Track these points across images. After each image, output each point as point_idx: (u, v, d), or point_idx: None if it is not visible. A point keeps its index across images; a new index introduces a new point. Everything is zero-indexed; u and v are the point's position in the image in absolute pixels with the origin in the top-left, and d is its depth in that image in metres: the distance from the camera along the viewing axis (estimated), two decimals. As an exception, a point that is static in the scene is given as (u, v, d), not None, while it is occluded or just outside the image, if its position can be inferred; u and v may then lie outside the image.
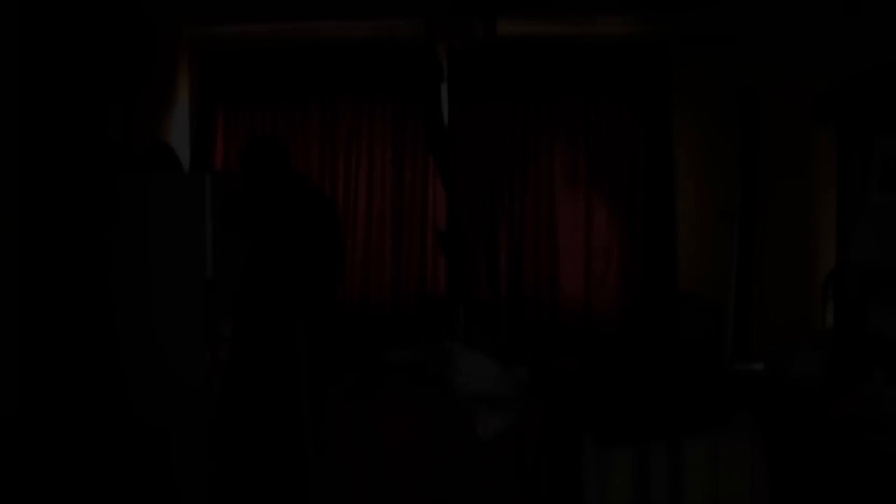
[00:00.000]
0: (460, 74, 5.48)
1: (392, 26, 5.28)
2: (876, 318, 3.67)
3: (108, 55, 4.68)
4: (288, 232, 4.10)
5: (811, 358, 3.73)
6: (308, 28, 5.50)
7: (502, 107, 5.50)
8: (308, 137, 5.62)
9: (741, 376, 5.01)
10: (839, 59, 4.11)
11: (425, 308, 5.36)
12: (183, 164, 4.95)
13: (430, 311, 5.10)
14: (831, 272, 4.40)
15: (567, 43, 5.43)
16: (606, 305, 5.45)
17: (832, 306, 4.41)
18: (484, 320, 3.86)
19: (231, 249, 4.16)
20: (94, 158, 4.54)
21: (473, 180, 5.50)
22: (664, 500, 2.35)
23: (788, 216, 5.43)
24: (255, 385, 3.98)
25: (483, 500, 2.95)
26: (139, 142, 4.94)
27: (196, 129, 5.69)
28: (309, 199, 4.27)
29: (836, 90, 4.17)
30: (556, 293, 5.47)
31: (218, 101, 5.69)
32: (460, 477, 2.94)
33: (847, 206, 4.22)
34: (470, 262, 5.28)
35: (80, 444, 4.08)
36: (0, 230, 3.37)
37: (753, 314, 5.41)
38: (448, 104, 5.50)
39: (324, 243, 4.18)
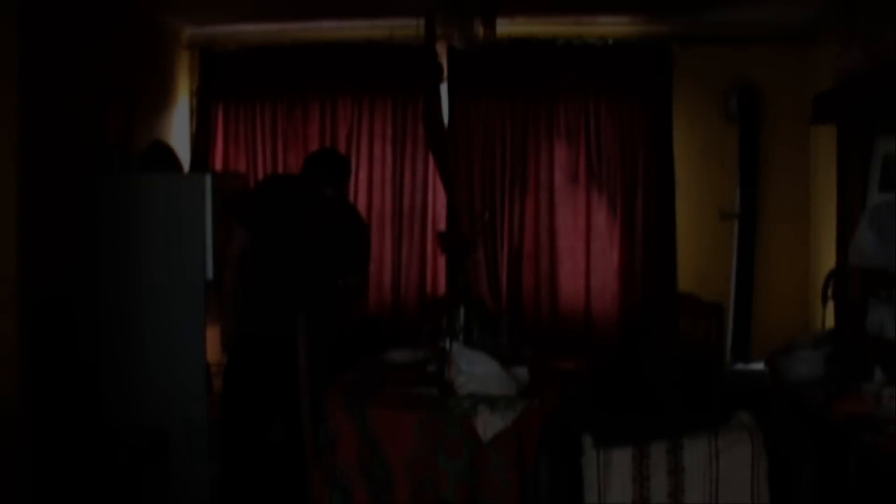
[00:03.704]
0: (460, 74, 5.47)
1: (392, 26, 5.29)
2: (876, 318, 3.68)
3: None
4: (301, 236, 3.99)
5: (811, 358, 3.74)
6: (308, 28, 5.50)
7: (502, 107, 5.49)
8: (308, 137, 5.62)
9: (741, 376, 5.02)
10: (839, 60, 4.11)
11: (425, 308, 5.36)
12: (183, 163, 4.95)
13: (429, 311, 5.10)
14: (831, 272, 4.40)
15: (567, 43, 5.43)
16: (606, 305, 5.45)
17: (832, 306, 4.42)
18: (484, 320, 3.85)
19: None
20: (93, 158, 4.55)
21: (473, 180, 5.51)
22: (664, 500, 2.34)
23: (788, 216, 5.43)
24: (256, 385, 3.96)
25: (483, 500, 2.95)
26: (139, 142, 4.94)
27: (196, 128, 5.69)
28: (339, 212, 4.16)
29: (836, 90, 4.17)
30: (556, 293, 5.47)
31: (218, 101, 5.70)
32: (460, 477, 2.94)
33: (847, 206, 4.22)
34: (470, 262, 5.28)
35: (78, 446, 4.07)
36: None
37: (753, 314, 5.41)
38: (448, 104, 5.50)
39: (339, 257, 4.06)
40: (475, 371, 3.17)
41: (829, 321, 4.46)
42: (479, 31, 4.05)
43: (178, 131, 5.61)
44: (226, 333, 4.03)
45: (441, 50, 5.28)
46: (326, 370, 3.80)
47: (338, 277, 4.06)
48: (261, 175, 5.59)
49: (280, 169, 5.63)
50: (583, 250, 5.45)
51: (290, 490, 3.96)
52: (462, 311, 3.76)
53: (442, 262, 5.52)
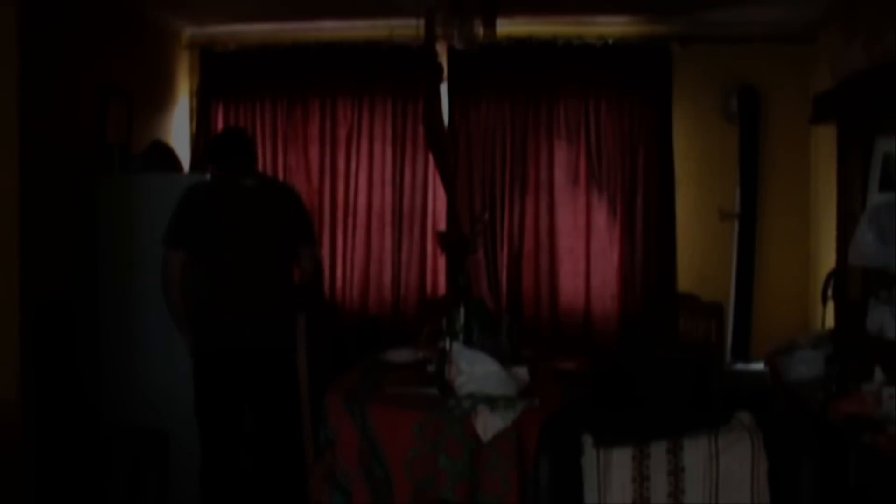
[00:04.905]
0: (460, 74, 5.48)
1: (392, 26, 5.29)
2: (876, 318, 3.67)
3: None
4: (239, 238, 3.79)
5: (811, 358, 3.73)
6: (308, 28, 5.51)
7: (502, 107, 5.50)
8: (308, 137, 5.62)
9: (741, 376, 5.02)
10: (839, 60, 4.11)
11: (425, 308, 5.36)
12: (183, 163, 4.95)
13: (429, 311, 5.10)
14: (831, 272, 4.40)
15: (567, 43, 5.44)
16: (606, 305, 5.45)
17: (832, 306, 4.42)
18: (484, 320, 3.84)
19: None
20: (93, 158, 4.55)
21: (473, 180, 5.51)
22: (664, 500, 2.34)
23: (788, 216, 5.43)
24: (224, 400, 3.82)
25: (483, 500, 2.95)
26: (139, 142, 4.94)
27: (196, 128, 5.69)
28: (266, 196, 3.92)
29: (836, 90, 4.17)
30: (556, 293, 5.47)
31: (218, 101, 5.70)
32: (460, 477, 2.94)
33: (847, 206, 4.22)
34: (470, 262, 5.27)
35: (78, 446, 4.07)
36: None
37: (753, 314, 5.41)
38: (448, 104, 5.50)
39: (283, 241, 3.87)
40: (475, 371, 3.17)
41: (829, 321, 4.46)
42: (479, 31, 4.04)
43: (178, 131, 5.61)
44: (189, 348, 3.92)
45: (441, 50, 5.27)
46: (326, 369, 3.79)
47: (290, 261, 3.90)
48: (261, 175, 5.59)
49: (280, 169, 5.64)
50: (583, 250, 5.46)
51: (290, 490, 3.95)
52: (462, 311, 3.76)
53: (442, 262, 5.52)
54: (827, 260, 4.74)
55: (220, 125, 5.68)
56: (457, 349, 3.30)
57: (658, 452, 2.38)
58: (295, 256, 3.94)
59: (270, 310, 3.80)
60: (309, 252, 4.00)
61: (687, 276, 5.44)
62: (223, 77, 5.65)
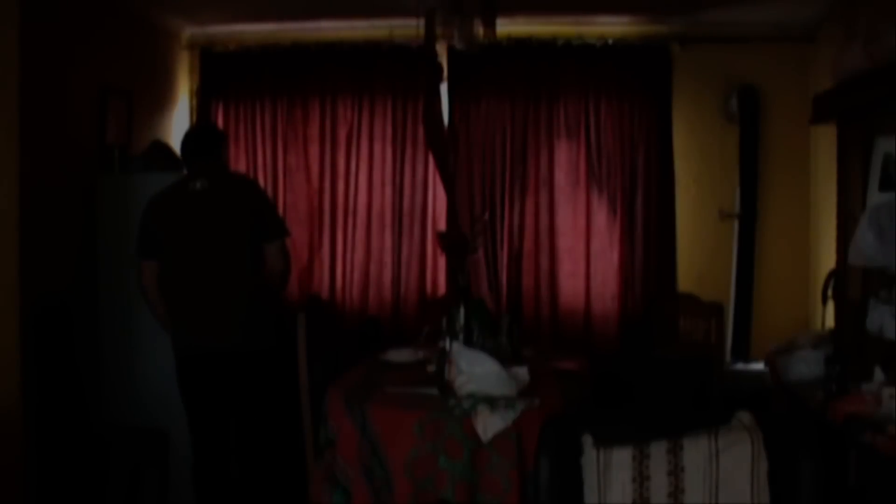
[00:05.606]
0: (460, 74, 5.48)
1: (392, 26, 5.29)
2: (876, 318, 3.68)
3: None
4: (197, 244, 3.77)
5: (811, 358, 3.74)
6: (308, 28, 5.51)
7: (502, 107, 5.49)
8: (308, 137, 5.62)
9: (741, 376, 5.02)
10: (839, 60, 4.11)
11: (425, 308, 5.36)
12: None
13: (429, 311, 5.10)
14: (831, 272, 4.40)
15: (567, 43, 5.44)
16: (606, 305, 5.45)
17: (832, 306, 4.42)
18: (484, 320, 3.84)
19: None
20: (93, 158, 4.55)
21: (473, 180, 5.51)
22: (664, 500, 2.34)
23: (788, 216, 5.43)
24: (206, 404, 3.84)
25: (483, 500, 2.95)
26: (139, 142, 4.94)
27: (196, 129, 5.69)
28: (220, 196, 3.83)
29: (836, 90, 4.17)
30: (556, 293, 5.47)
31: (218, 101, 5.70)
32: (460, 477, 2.94)
33: (847, 206, 4.22)
34: (470, 262, 5.27)
35: (78, 447, 4.07)
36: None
37: (753, 314, 5.41)
38: (448, 104, 5.50)
39: (244, 238, 3.78)
40: (475, 371, 3.17)
41: (829, 321, 4.46)
42: (479, 31, 4.05)
43: (177, 131, 5.60)
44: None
45: (441, 50, 5.27)
46: (326, 370, 3.79)
47: (252, 259, 3.82)
48: (261, 175, 5.60)
49: (280, 169, 5.64)
50: (583, 250, 5.45)
51: (290, 490, 3.95)
52: (462, 311, 3.76)
53: (442, 262, 5.52)
54: (827, 260, 4.74)
55: (220, 125, 5.68)
56: (457, 349, 3.30)
57: (658, 452, 2.38)
58: (258, 249, 3.83)
59: (232, 312, 3.76)
60: (274, 247, 3.84)
61: (687, 276, 5.44)
62: (223, 77, 5.65)
